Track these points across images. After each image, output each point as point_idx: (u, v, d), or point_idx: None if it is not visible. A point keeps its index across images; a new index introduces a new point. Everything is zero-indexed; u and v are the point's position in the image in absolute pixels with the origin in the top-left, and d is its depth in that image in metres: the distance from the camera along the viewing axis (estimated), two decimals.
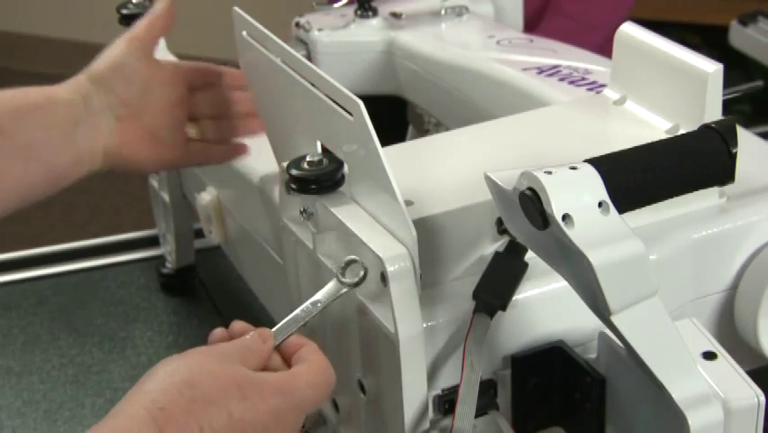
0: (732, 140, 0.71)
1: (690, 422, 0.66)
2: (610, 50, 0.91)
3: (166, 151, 0.96)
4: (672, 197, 0.72)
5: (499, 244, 0.79)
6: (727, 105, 0.86)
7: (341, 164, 0.78)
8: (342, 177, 0.79)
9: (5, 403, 1.14)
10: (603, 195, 0.64)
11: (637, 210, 0.69)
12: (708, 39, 2.70)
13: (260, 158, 0.98)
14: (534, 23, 1.69)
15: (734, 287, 0.85)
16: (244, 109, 1.00)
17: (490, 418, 0.78)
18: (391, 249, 0.72)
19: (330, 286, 0.74)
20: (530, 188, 0.64)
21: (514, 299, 0.76)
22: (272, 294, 1.05)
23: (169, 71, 0.96)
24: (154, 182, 1.27)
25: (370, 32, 1.30)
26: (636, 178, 0.68)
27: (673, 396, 0.66)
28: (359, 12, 1.34)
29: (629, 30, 0.89)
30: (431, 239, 0.78)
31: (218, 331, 0.72)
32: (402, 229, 0.72)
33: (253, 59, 0.87)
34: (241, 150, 1.01)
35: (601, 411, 0.74)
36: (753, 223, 0.84)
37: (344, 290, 0.74)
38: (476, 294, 0.75)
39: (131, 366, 1.18)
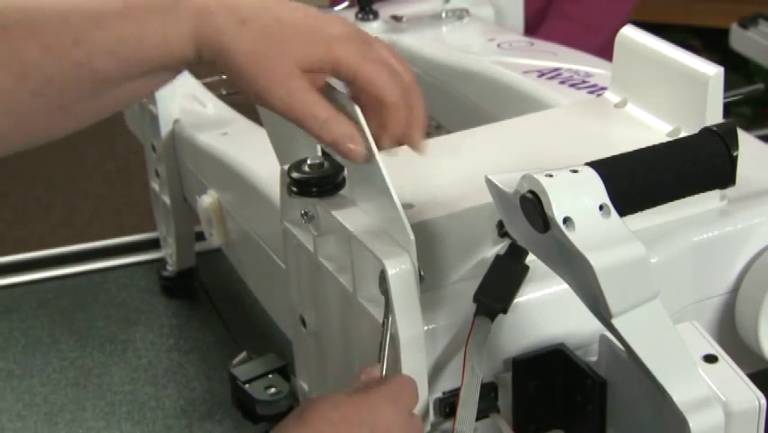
0: (733, 143, 0.71)
1: (690, 425, 0.65)
2: (611, 52, 0.91)
3: None
4: (673, 199, 0.72)
5: (500, 247, 0.79)
6: (728, 108, 0.86)
7: (341, 167, 0.78)
8: (343, 180, 0.79)
9: (6, 406, 1.14)
10: (604, 198, 0.64)
11: (638, 213, 0.69)
12: (708, 42, 2.71)
13: (260, 160, 0.98)
14: (535, 25, 1.69)
15: (735, 290, 0.85)
16: None
17: (491, 421, 0.78)
18: (392, 252, 0.72)
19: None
20: (531, 191, 0.64)
21: (515, 301, 0.76)
22: (273, 297, 1.05)
23: None
24: (155, 185, 1.27)
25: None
26: (637, 181, 0.68)
27: (674, 399, 0.66)
28: (359, 15, 1.34)
29: (630, 33, 0.89)
30: (432, 242, 0.78)
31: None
32: (401, 233, 0.72)
33: None
34: None
35: (602, 414, 0.74)
36: (754, 226, 0.84)
37: None
38: (477, 297, 0.75)
39: (131, 369, 1.18)
